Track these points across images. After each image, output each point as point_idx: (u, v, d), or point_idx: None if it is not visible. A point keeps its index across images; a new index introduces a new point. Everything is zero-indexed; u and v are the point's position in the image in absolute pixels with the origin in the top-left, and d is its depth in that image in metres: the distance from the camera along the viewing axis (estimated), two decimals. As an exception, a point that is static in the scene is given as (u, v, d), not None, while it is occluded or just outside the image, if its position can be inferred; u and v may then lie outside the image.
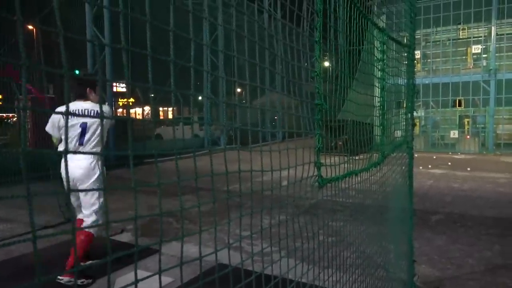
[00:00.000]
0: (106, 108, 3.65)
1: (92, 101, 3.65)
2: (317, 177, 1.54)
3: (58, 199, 5.22)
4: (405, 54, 3.22)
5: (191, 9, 1.09)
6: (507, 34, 16.52)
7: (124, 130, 12.20)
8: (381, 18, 2.77)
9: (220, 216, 5.24)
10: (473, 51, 16.95)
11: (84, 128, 3.48)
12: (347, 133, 1.90)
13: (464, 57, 17.30)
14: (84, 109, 3.52)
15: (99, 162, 3.54)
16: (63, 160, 3.49)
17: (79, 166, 3.48)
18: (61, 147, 3.57)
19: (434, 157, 14.16)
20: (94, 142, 3.51)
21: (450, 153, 15.89)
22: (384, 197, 2.50)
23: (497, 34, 16.11)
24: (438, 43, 17.63)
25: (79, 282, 3.41)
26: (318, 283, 1.76)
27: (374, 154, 2.29)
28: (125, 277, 3.49)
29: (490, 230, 5.21)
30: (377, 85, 2.45)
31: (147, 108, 27.81)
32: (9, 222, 5.48)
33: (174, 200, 5.79)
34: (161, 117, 36.98)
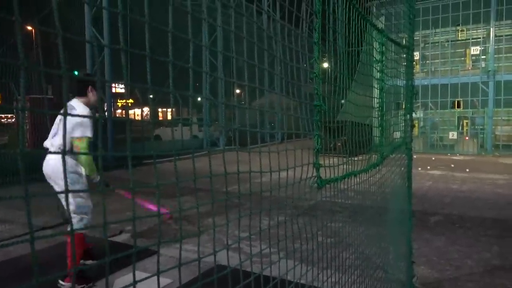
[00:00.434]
0: (80, 107, 3.45)
1: (90, 100, 3.60)
2: (316, 178, 1.54)
3: (57, 200, 5.22)
4: (404, 55, 3.22)
5: (190, 10, 1.09)
6: (505, 35, 16.56)
7: (123, 131, 12.20)
8: (380, 19, 2.78)
9: (219, 217, 5.24)
10: (472, 53, 16.99)
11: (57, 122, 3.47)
12: (346, 134, 1.89)
13: (462, 59, 17.34)
14: (71, 105, 3.45)
15: (69, 161, 3.40)
16: (47, 158, 3.48)
17: (47, 163, 3.44)
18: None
19: (433, 158, 14.18)
20: (58, 139, 3.41)
21: (449, 154, 15.91)
22: (383, 198, 2.50)
23: (495, 36, 16.15)
24: (436, 44, 17.66)
25: (79, 287, 3.36)
26: (317, 284, 1.75)
27: (373, 155, 2.29)
28: (124, 278, 3.48)
29: (489, 231, 5.22)
30: (376, 86, 2.45)
31: (146, 109, 27.77)
32: (7, 223, 5.47)
33: (173, 201, 5.79)
34: (160, 118, 36.94)
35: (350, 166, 1.82)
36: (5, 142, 11.60)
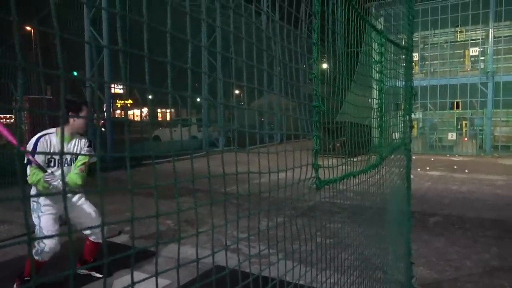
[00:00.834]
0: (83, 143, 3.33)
1: (74, 127, 3.22)
2: (315, 179, 1.54)
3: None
4: (403, 56, 3.22)
5: (189, 11, 1.09)
6: (504, 36, 16.58)
7: (122, 132, 12.22)
8: (379, 20, 2.78)
9: (217, 218, 5.23)
10: (471, 54, 17.02)
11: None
12: (345, 135, 1.89)
13: (461, 60, 17.35)
14: (49, 142, 3.14)
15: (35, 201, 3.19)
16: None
17: None
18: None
19: (432, 159, 14.19)
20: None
21: (448, 155, 15.92)
22: (382, 199, 2.50)
23: (494, 37, 16.18)
24: (436, 45, 17.68)
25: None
26: (316, 285, 1.75)
27: (372, 156, 2.29)
28: (122, 279, 3.47)
29: (488, 232, 5.22)
30: (375, 87, 2.45)
31: (145, 110, 27.79)
32: (6, 223, 5.47)
33: (171, 202, 5.77)
34: (159, 119, 36.79)
35: (349, 167, 1.81)
36: (3, 142, 11.61)
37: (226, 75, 18.83)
